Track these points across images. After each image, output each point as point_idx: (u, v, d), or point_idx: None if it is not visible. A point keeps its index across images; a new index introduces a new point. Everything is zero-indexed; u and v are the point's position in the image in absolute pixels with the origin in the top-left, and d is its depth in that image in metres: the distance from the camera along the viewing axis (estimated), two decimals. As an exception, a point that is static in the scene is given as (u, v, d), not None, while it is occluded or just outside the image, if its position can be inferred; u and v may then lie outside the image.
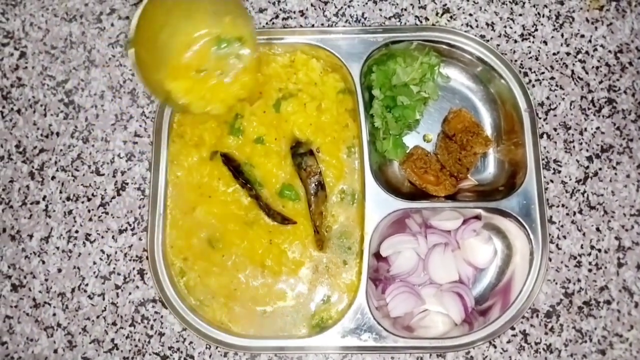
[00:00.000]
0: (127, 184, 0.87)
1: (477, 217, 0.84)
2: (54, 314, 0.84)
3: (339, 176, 0.85)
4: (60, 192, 0.87)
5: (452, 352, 0.80)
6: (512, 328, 0.80)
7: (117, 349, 0.82)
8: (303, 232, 0.83)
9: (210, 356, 0.81)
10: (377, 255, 0.84)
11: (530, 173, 0.81)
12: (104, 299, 0.84)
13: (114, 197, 0.86)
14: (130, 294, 0.84)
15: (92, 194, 0.87)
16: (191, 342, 0.82)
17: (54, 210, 0.87)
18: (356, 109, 0.84)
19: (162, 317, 0.83)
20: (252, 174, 0.85)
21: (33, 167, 0.88)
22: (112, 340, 0.83)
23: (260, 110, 0.85)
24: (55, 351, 0.83)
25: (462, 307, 0.81)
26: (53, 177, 0.88)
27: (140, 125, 0.88)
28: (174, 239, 0.84)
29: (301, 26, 0.89)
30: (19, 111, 0.90)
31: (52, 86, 0.90)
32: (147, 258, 0.83)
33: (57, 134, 0.89)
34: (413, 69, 0.84)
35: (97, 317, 0.83)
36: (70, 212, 0.86)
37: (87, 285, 0.84)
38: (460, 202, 0.83)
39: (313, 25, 0.89)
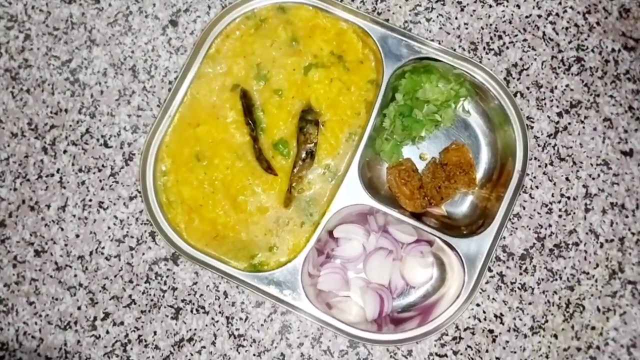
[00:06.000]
0: (134, 154, 0.94)
1: (430, 242, 0.89)
2: (75, 275, 0.92)
3: (331, 153, 0.91)
4: (73, 164, 0.94)
5: (346, 338, 0.86)
6: (490, 270, 0.89)
7: (135, 303, 0.91)
8: (278, 186, 0.90)
9: (219, 306, 0.90)
10: (330, 233, 0.90)
11: (493, 227, 0.85)
12: (119, 260, 0.92)
13: (122, 167, 0.94)
14: (143, 254, 0.92)
15: (102, 165, 0.94)
16: (202, 295, 0.91)
17: (68, 182, 0.94)
18: (374, 103, 0.88)
19: (174, 273, 0.91)
20: (260, 117, 0.91)
21: (45, 142, 0.95)
22: (130, 296, 0.91)
23: (291, 66, 0.91)
24: (79, 308, 0.91)
25: (379, 308, 0.87)
26: (65, 151, 0.94)
27: (143, 100, 0.95)
28: (171, 141, 0.91)
29: (362, 7, 0.91)
30: (28, 91, 0.96)
31: (57, 66, 0.96)
32: (140, 154, 0.91)
33: (66, 110, 0.95)
34: (440, 90, 0.87)
35: (115, 276, 0.92)
36: (83, 182, 0.94)
37: (103, 248, 0.92)
38: (421, 224, 0.86)
39: (374, 10, 0.93)
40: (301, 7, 0.92)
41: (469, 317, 0.88)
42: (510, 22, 0.93)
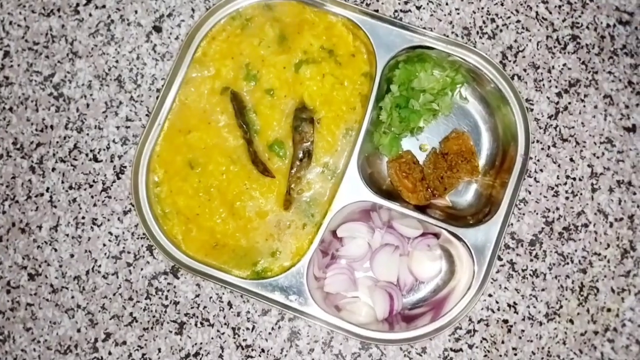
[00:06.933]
0: (125, 167, 0.91)
1: (436, 235, 0.87)
2: (73, 297, 0.89)
3: (329, 150, 0.88)
4: (62, 182, 0.91)
5: (358, 340, 0.84)
6: (499, 258, 0.87)
7: (136, 321, 0.88)
8: (276, 189, 0.87)
9: (224, 317, 0.87)
10: (334, 233, 0.88)
11: (499, 215, 0.83)
12: (117, 277, 0.89)
13: (114, 181, 0.91)
14: (142, 269, 0.89)
15: (93, 181, 0.91)
16: (205, 307, 0.88)
17: (59, 200, 0.91)
18: (369, 96, 0.86)
19: (174, 287, 0.88)
20: (252, 119, 0.88)
21: (32, 161, 0.91)
22: (131, 314, 0.88)
23: (281, 64, 0.89)
24: (79, 330, 0.88)
25: (389, 307, 0.85)
26: (53, 169, 0.91)
27: (131, 110, 0.92)
28: (162, 150, 0.88)
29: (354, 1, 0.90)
30: (11, 109, 0.92)
31: (39, 81, 0.93)
32: (131, 165, 0.87)
33: (52, 127, 0.92)
34: (435, 79, 0.85)
35: (114, 294, 0.89)
36: (74, 200, 0.90)
37: (100, 266, 0.89)
38: (426, 216, 0.84)
39: (363, 1, 0.90)
40: (287, 3, 0.90)
41: (482, 309, 0.86)
42: (502, 4, 0.91)
